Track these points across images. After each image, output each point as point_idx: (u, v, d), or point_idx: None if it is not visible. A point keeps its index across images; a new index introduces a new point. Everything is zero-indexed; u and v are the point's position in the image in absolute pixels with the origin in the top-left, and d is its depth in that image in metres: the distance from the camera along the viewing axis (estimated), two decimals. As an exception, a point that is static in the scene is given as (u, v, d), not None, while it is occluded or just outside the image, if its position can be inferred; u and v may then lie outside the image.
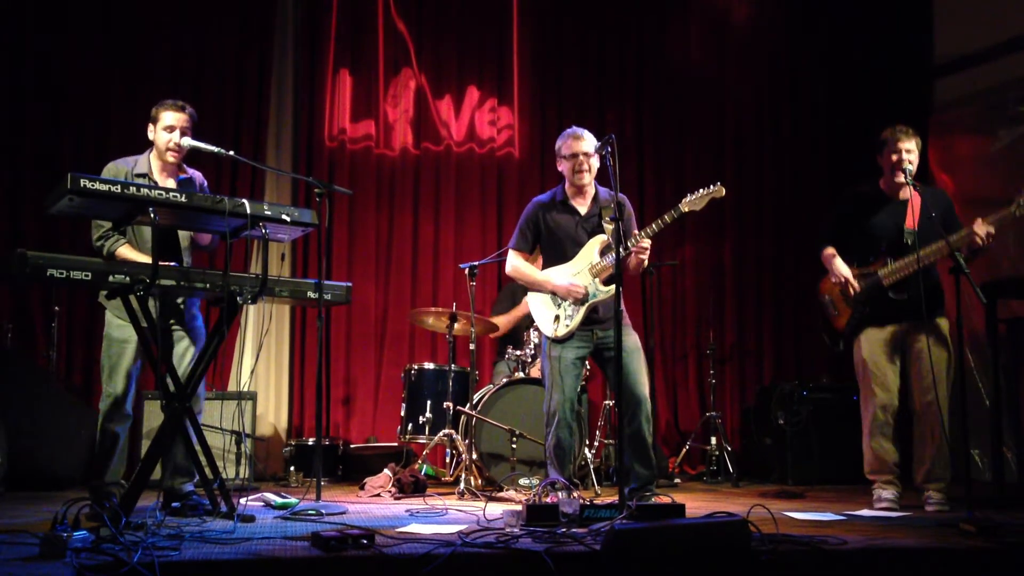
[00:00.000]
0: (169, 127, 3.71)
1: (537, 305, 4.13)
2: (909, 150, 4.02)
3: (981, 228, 3.77)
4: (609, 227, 3.93)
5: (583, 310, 3.97)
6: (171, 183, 3.76)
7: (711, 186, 3.91)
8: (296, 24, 6.25)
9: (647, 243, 3.88)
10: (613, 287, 3.48)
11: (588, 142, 4.05)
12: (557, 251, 4.12)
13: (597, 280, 3.97)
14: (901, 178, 3.97)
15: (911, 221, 3.98)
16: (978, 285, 3.75)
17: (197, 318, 3.82)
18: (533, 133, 6.58)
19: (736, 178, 6.77)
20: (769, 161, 6.92)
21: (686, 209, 3.91)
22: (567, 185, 4.14)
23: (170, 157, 3.72)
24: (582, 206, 4.12)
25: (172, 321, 3.71)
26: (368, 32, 6.35)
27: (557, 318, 4.02)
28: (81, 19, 5.71)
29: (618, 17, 6.77)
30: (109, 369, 3.62)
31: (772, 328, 6.79)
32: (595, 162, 4.04)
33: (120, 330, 3.57)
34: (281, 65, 6.18)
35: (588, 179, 4.06)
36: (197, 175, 3.93)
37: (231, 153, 3.74)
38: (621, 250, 3.45)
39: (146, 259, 3.43)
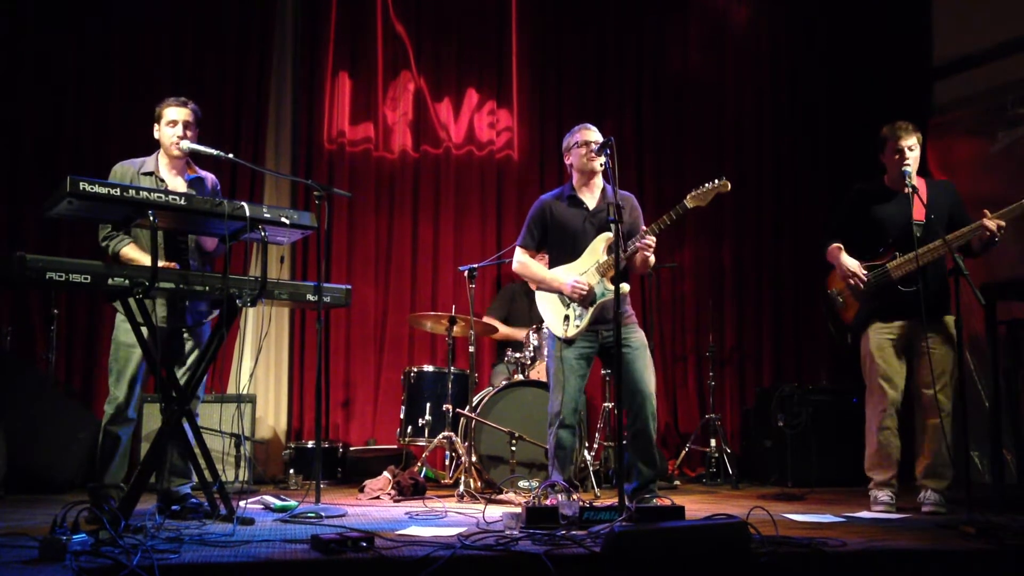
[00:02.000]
0: (172, 122, 3.73)
1: (545, 305, 4.10)
2: (911, 147, 4.04)
3: (991, 222, 3.79)
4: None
5: (592, 309, 3.96)
6: (180, 182, 3.77)
7: (715, 180, 3.91)
8: (295, 27, 6.25)
9: (651, 240, 3.87)
10: (622, 285, 3.48)
11: (598, 134, 4.08)
12: (565, 246, 4.09)
13: (605, 279, 3.96)
14: (906, 179, 3.99)
15: (918, 214, 3.99)
16: (977, 287, 3.75)
17: (207, 323, 3.81)
18: (532, 135, 6.58)
19: (736, 180, 6.72)
20: (769, 163, 6.93)
21: (691, 204, 3.91)
22: (575, 179, 4.14)
23: (175, 151, 3.72)
24: (590, 200, 4.10)
25: (181, 325, 3.72)
26: (367, 35, 6.35)
27: (567, 318, 4.00)
28: (81, 21, 5.71)
29: (617, 19, 6.77)
30: (117, 373, 3.62)
31: (772, 330, 6.79)
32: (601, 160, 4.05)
33: (128, 334, 3.54)
34: (280, 68, 6.19)
35: (599, 166, 4.05)
36: (209, 176, 3.92)
37: (230, 156, 3.74)
38: (627, 247, 3.45)
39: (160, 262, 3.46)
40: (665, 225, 3.87)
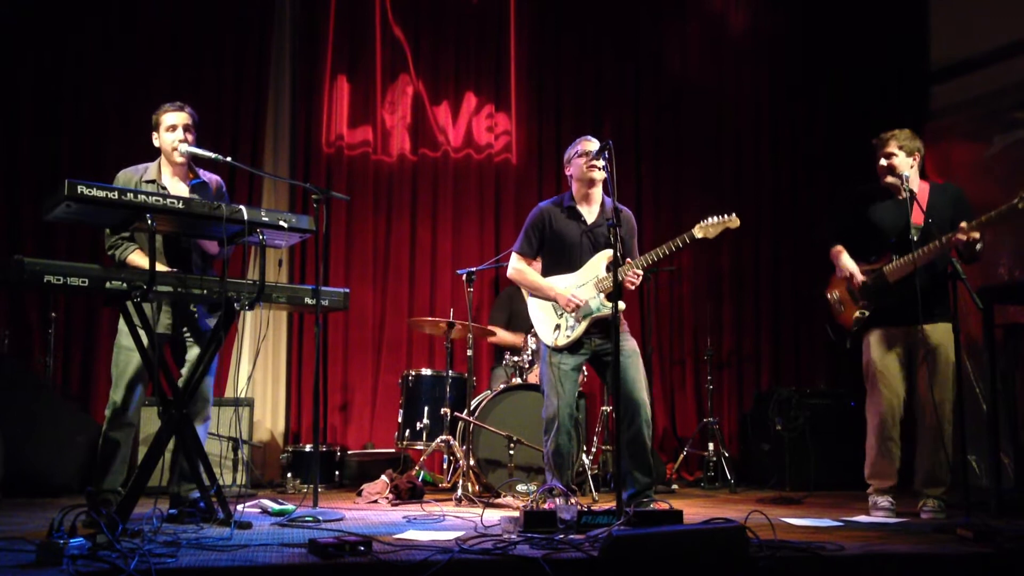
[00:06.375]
0: (172, 127, 3.73)
1: (538, 312, 4.12)
2: (892, 154, 4.07)
3: (963, 234, 3.79)
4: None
5: (585, 324, 3.96)
6: (183, 188, 3.76)
7: (725, 215, 3.92)
8: (294, 31, 6.25)
9: (635, 276, 3.88)
10: (618, 304, 3.48)
11: (597, 145, 4.07)
12: (560, 257, 4.11)
13: (602, 296, 3.96)
14: (890, 180, 4.03)
15: (918, 217, 4.00)
16: (975, 290, 3.75)
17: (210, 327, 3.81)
18: (530, 139, 6.58)
19: (734, 185, 6.79)
20: (767, 168, 6.93)
21: (699, 235, 3.91)
22: (575, 190, 4.15)
23: (177, 157, 3.72)
24: (589, 214, 4.11)
25: (184, 329, 3.71)
26: (365, 38, 6.35)
27: (558, 327, 4.01)
28: (79, 25, 5.71)
29: (616, 23, 6.78)
30: (116, 377, 3.61)
31: (770, 334, 6.79)
32: (601, 166, 4.06)
33: (129, 338, 3.51)
34: (279, 71, 6.19)
35: (598, 175, 4.05)
36: (213, 178, 3.92)
37: (228, 159, 3.75)
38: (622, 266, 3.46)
39: (162, 267, 3.46)
40: (664, 255, 3.87)
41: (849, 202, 4.31)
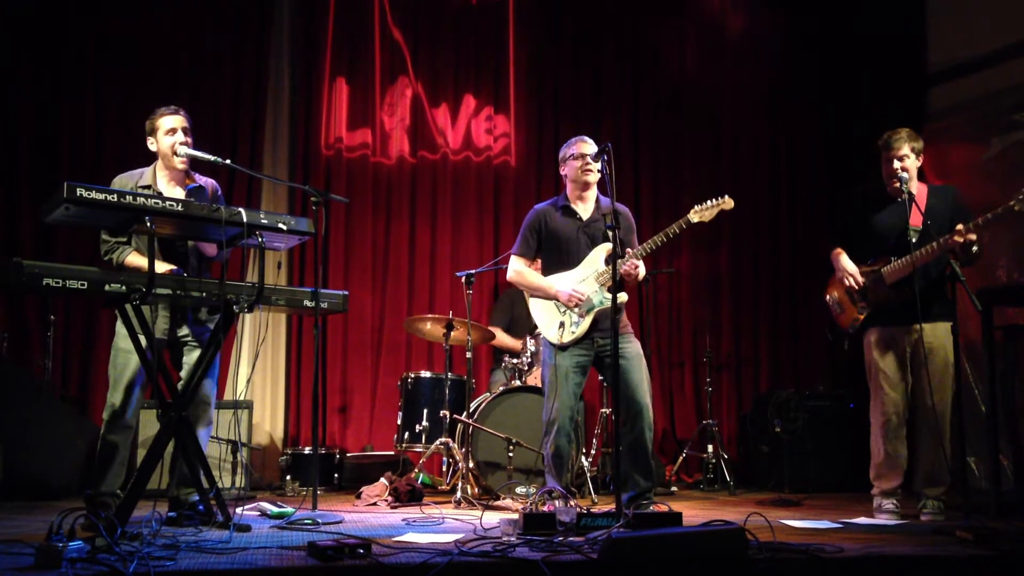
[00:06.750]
0: (171, 130, 3.72)
1: (540, 312, 4.12)
2: (904, 156, 4.05)
3: (959, 236, 3.78)
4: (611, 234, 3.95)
5: (590, 317, 3.97)
6: (179, 192, 3.76)
7: (718, 198, 3.95)
8: (293, 33, 6.25)
9: (632, 263, 3.90)
10: (620, 295, 3.49)
11: (594, 147, 4.10)
12: (558, 256, 4.12)
13: (603, 288, 3.97)
14: (898, 185, 4.01)
15: (916, 219, 4.00)
16: (974, 292, 3.75)
17: (209, 329, 3.80)
18: (529, 141, 6.58)
19: (733, 187, 6.75)
20: (765, 169, 6.94)
21: (695, 219, 3.95)
22: (569, 190, 4.17)
23: (178, 161, 3.72)
24: (584, 211, 4.13)
25: (183, 333, 3.71)
26: (364, 41, 6.36)
27: (562, 324, 4.01)
28: (78, 28, 5.71)
29: (615, 26, 6.78)
30: (114, 379, 3.61)
31: (769, 336, 6.79)
32: (597, 168, 4.08)
33: (127, 340, 3.53)
34: (278, 74, 6.19)
35: (593, 178, 4.09)
36: (209, 182, 3.91)
37: (227, 162, 3.75)
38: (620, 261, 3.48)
39: (161, 264, 3.46)
40: (663, 242, 3.90)
41: (849, 204, 4.32)
